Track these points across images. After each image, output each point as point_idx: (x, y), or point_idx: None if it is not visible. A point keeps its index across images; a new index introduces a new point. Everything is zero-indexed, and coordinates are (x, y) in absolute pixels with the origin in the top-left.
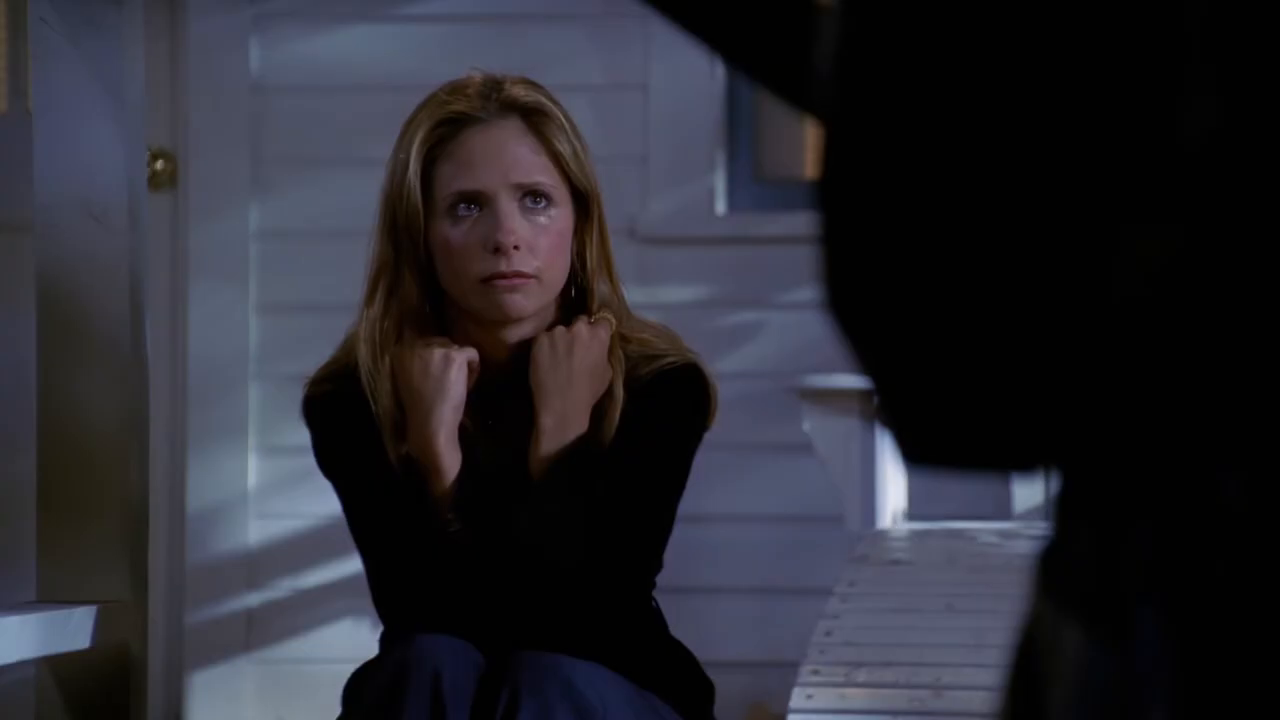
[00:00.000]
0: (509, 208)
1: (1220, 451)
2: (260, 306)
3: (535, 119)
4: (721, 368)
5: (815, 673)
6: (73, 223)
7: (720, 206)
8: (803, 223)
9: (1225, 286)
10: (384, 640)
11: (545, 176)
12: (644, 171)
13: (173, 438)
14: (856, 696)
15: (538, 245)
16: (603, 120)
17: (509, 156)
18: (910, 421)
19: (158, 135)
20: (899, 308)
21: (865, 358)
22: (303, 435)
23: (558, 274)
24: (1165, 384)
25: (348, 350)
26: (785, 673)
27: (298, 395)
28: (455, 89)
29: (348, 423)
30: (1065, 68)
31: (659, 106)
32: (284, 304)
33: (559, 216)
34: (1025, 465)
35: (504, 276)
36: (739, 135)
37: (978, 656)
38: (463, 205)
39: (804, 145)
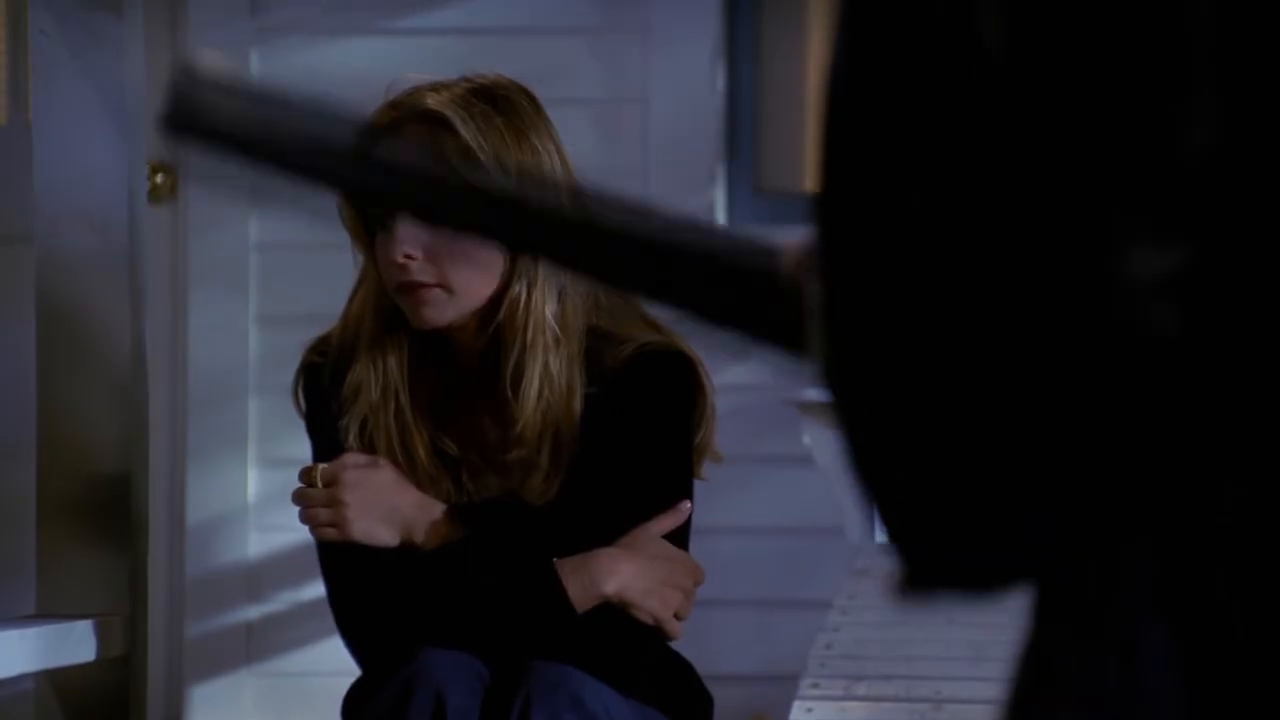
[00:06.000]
0: (405, 220)
1: (1220, 468)
2: (260, 318)
3: (435, 127)
4: (722, 380)
5: (815, 686)
6: (73, 234)
7: (720, 220)
8: (803, 236)
9: (1228, 302)
10: (364, 649)
11: None
12: (644, 185)
13: (173, 450)
14: (856, 710)
15: (438, 256)
16: (603, 134)
17: None
18: (919, 537)
19: (158, 147)
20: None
21: (865, 465)
22: (303, 447)
23: (469, 283)
24: (1166, 402)
25: (343, 323)
26: (785, 686)
27: (295, 410)
28: (384, 102)
29: (330, 397)
30: (1068, 82)
31: (659, 120)
32: (284, 316)
33: None
34: (1028, 570)
35: (405, 288)
36: (739, 148)
37: (977, 669)
38: (384, 217)
39: (804, 159)
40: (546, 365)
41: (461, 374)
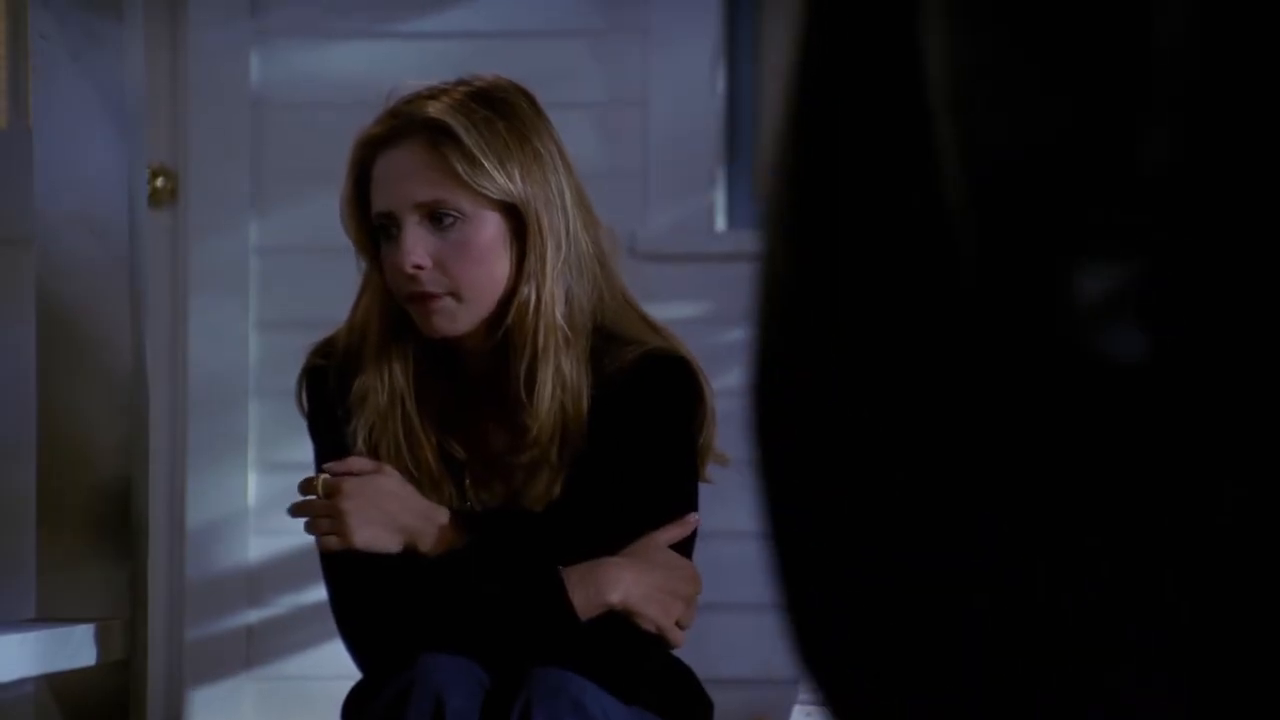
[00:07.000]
0: (412, 229)
1: (1220, 469)
2: (260, 322)
3: (437, 136)
4: (722, 384)
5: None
6: (73, 238)
7: (720, 223)
8: None
9: (1194, 317)
10: (367, 654)
11: (447, 194)
12: (644, 188)
13: (173, 453)
14: None
15: (447, 263)
16: (603, 136)
17: (409, 176)
18: None
19: (158, 150)
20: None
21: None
22: (303, 451)
23: (480, 289)
24: (1144, 421)
25: (349, 327)
26: (785, 689)
27: (298, 411)
28: (384, 110)
29: (334, 401)
30: (1019, 90)
31: (659, 122)
32: (284, 320)
33: (473, 232)
34: None
35: (415, 298)
36: (739, 151)
37: None
38: (390, 226)
39: None
40: (559, 367)
41: (469, 379)
